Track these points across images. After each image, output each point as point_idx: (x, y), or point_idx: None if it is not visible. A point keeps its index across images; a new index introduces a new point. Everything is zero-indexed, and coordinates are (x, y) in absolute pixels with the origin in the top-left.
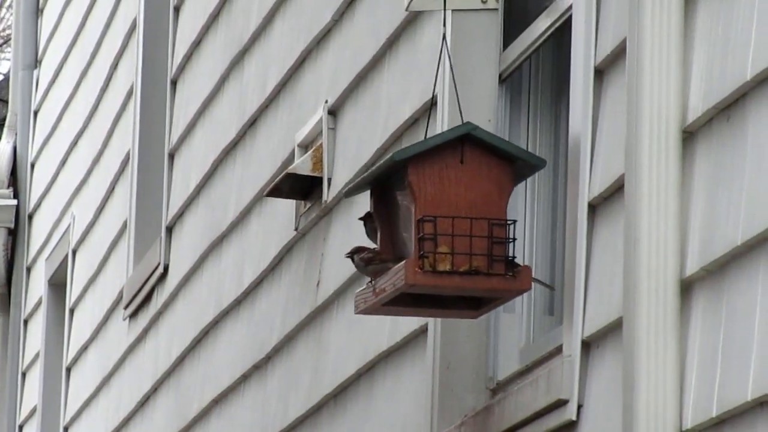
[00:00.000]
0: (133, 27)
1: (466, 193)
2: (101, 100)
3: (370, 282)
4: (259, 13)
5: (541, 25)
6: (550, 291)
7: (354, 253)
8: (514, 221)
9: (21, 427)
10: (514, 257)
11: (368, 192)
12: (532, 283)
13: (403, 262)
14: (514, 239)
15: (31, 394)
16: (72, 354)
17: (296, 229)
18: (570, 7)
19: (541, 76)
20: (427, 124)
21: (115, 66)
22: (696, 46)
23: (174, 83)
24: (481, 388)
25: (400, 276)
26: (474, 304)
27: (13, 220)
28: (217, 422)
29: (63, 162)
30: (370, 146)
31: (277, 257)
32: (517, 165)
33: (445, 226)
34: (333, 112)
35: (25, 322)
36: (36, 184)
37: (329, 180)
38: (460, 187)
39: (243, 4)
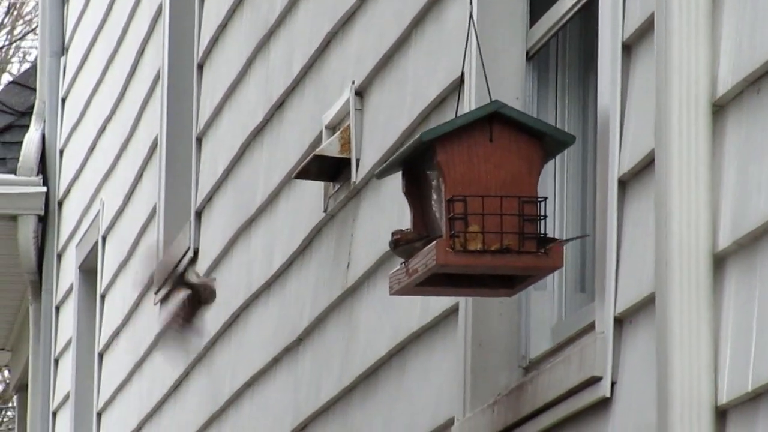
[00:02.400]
0: (158, 12)
1: (495, 172)
2: (128, 86)
3: (404, 263)
4: None
5: (568, 1)
6: (586, 238)
7: (392, 236)
8: (545, 198)
9: (55, 414)
10: (545, 234)
11: (399, 173)
12: (564, 260)
13: (434, 243)
14: (545, 216)
15: (64, 380)
16: (104, 339)
17: (325, 211)
18: None
19: (568, 52)
20: (458, 103)
21: (141, 51)
22: (725, 19)
23: (200, 67)
24: (514, 366)
25: (431, 256)
26: (508, 283)
27: (43, 207)
28: (249, 405)
29: (91, 148)
30: (398, 126)
31: (306, 239)
32: (546, 142)
33: (476, 205)
34: (360, 93)
35: (57, 308)
36: (65, 170)
37: (357, 161)
38: (490, 165)
39: None
